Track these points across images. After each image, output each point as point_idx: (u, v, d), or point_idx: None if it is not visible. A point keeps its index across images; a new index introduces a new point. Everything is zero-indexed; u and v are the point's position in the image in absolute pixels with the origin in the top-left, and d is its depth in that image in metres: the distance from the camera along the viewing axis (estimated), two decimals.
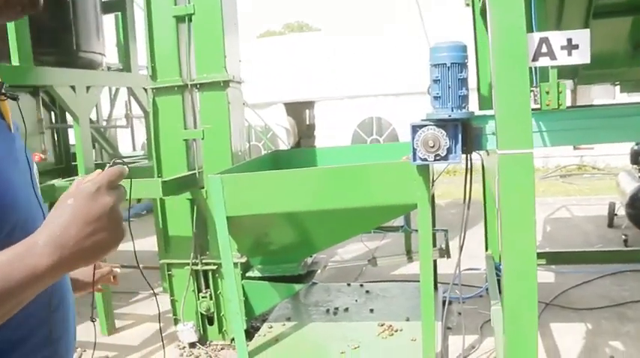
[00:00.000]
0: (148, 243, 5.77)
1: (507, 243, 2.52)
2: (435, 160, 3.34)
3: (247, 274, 4.44)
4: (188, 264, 4.55)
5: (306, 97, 16.59)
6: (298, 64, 16.50)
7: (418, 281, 3.48)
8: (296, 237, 4.21)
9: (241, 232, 4.17)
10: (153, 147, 4.57)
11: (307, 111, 15.78)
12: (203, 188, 4.39)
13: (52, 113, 6.51)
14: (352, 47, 17.06)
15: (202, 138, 4.49)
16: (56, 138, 6.45)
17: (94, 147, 7.50)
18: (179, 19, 4.51)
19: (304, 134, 16.07)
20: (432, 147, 3.30)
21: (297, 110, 16.04)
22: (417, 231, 4.35)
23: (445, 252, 4.55)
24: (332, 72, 16.37)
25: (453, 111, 3.22)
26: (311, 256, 4.65)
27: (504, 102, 2.45)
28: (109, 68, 10.28)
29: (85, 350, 4.80)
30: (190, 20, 4.49)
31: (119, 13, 6.01)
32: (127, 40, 5.91)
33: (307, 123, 16.00)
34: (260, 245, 4.31)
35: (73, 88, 4.89)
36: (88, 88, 5.08)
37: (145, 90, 4.91)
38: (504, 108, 2.47)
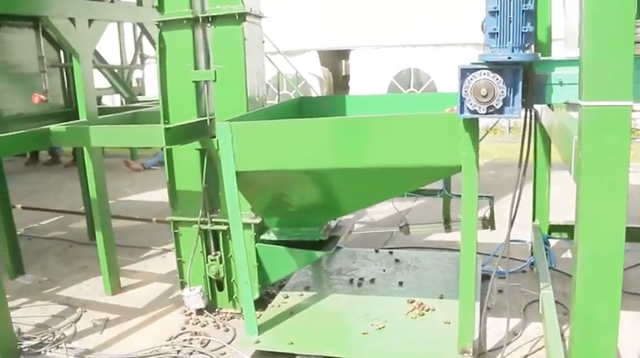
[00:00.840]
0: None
1: (588, 221, 1.89)
2: (487, 113, 2.73)
3: (262, 237, 3.99)
4: (196, 222, 4.03)
5: (340, 45, 15.84)
6: (333, 8, 15.61)
7: (455, 250, 2.93)
8: (318, 197, 3.67)
9: (254, 190, 3.65)
10: (159, 89, 3.99)
11: (342, 61, 15.18)
12: (214, 137, 3.83)
13: (62, 51, 5.97)
14: None
15: (214, 80, 3.92)
16: (65, 79, 5.92)
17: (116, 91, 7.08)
18: None
19: (338, 84, 15.45)
20: (485, 96, 2.75)
21: (331, 59, 15.47)
22: (458, 196, 3.85)
23: (489, 223, 3.94)
24: (368, 19, 15.48)
25: (513, 51, 2.59)
26: (334, 219, 4.10)
27: (597, 39, 1.78)
28: None
29: (85, 311, 4.41)
30: None
31: None
32: None
33: (342, 73, 15.39)
34: (276, 205, 3.78)
35: (72, 20, 4.32)
36: (90, 21, 4.50)
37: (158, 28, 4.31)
38: (596, 46, 1.80)
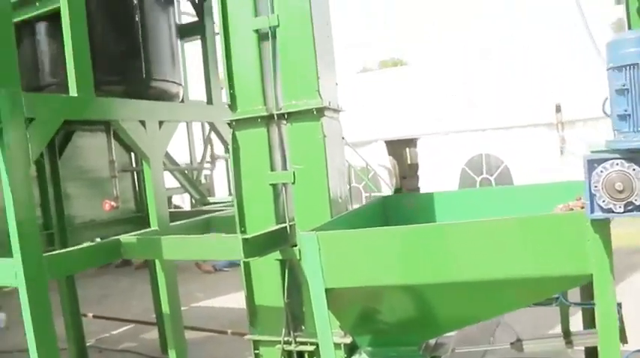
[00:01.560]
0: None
1: None
2: (625, 211, 2.25)
3: None
4: (279, 342, 3.57)
5: (407, 134, 15.55)
6: (398, 99, 15.49)
7: None
8: (416, 313, 3.12)
9: (343, 305, 3.16)
10: (234, 193, 3.67)
11: (409, 149, 14.66)
12: (296, 246, 3.42)
13: (132, 154, 5.84)
14: (454, 79, 15.87)
15: (293, 183, 3.56)
16: (136, 183, 5.75)
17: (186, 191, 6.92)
18: (261, 35, 3.66)
19: (407, 174, 14.93)
20: (621, 192, 2.29)
21: (398, 148, 14.93)
22: (578, 304, 3.25)
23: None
24: (435, 105, 15.23)
25: None
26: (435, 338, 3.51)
27: None
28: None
29: None
30: (274, 36, 3.63)
31: (199, 37, 5.26)
32: (207, 67, 5.14)
33: (409, 161, 14.91)
34: (369, 322, 3.28)
35: (142, 123, 4.11)
36: (160, 123, 4.29)
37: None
38: None
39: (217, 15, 3.78)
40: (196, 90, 6.23)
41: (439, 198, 4.21)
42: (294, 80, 3.61)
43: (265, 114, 3.67)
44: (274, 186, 3.71)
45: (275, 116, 3.66)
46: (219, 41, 5.03)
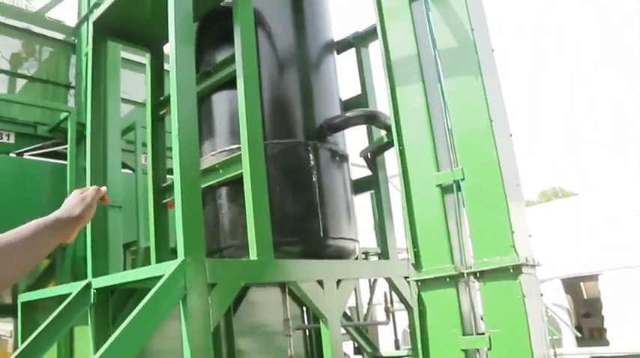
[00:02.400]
0: None
1: None
2: None
3: None
4: None
5: (589, 270, 14.19)
6: (569, 232, 14.37)
7: None
8: None
9: None
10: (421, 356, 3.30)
11: (581, 283, 13.26)
12: None
13: (304, 308, 5.72)
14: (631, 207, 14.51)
15: (489, 348, 3.16)
16: (308, 341, 5.56)
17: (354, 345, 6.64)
18: (444, 188, 3.44)
19: (588, 314, 13.61)
20: None
21: (575, 285, 13.63)
22: None
23: None
24: (613, 238, 13.88)
25: None
26: None
27: None
28: (366, 254, 9.72)
29: None
30: (459, 188, 3.37)
31: (372, 192, 5.20)
32: (382, 222, 5.00)
33: (584, 297, 13.56)
34: None
35: (319, 282, 3.97)
36: (338, 281, 4.13)
37: (407, 280, 3.81)
38: None
39: (391, 166, 3.69)
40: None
41: None
42: (484, 235, 3.30)
43: (454, 273, 3.35)
44: (466, 351, 3.30)
45: (465, 275, 3.33)
46: (393, 194, 4.95)
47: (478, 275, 3.30)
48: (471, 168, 3.41)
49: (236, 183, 3.83)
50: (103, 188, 1.81)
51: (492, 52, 3.80)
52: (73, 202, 1.65)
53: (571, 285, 14.48)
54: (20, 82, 8.03)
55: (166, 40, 3.65)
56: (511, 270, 3.16)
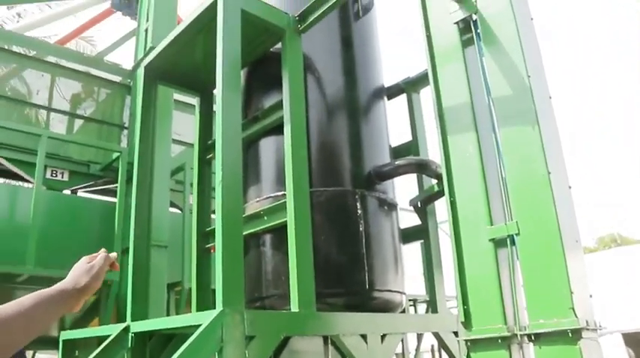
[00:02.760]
0: None
1: None
2: None
3: None
4: None
5: None
6: (636, 282, 13.67)
7: None
8: None
9: None
10: None
11: None
12: None
13: None
14: None
15: None
16: None
17: None
18: (497, 243, 3.26)
19: None
20: None
21: (638, 340, 13.04)
22: None
23: None
24: None
25: None
26: None
27: None
28: (414, 302, 9.43)
29: None
30: (513, 243, 3.19)
31: (422, 241, 5.02)
32: (431, 272, 4.81)
33: None
34: None
35: (363, 336, 3.80)
36: (382, 336, 3.95)
37: (456, 336, 3.61)
38: None
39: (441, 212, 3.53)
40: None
41: None
42: (540, 295, 3.08)
43: (507, 334, 3.13)
44: None
45: (518, 336, 3.10)
46: (443, 239, 4.77)
47: (533, 337, 3.07)
48: (526, 222, 3.21)
49: (280, 231, 3.74)
50: (113, 254, 1.78)
51: (550, 99, 3.64)
52: (79, 272, 1.63)
53: (633, 339, 13.68)
54: (78, 121, 8.28)
55: (215, 85, 3.64)
56: (570, 334, 2.92)
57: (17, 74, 7.91)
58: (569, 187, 3.48)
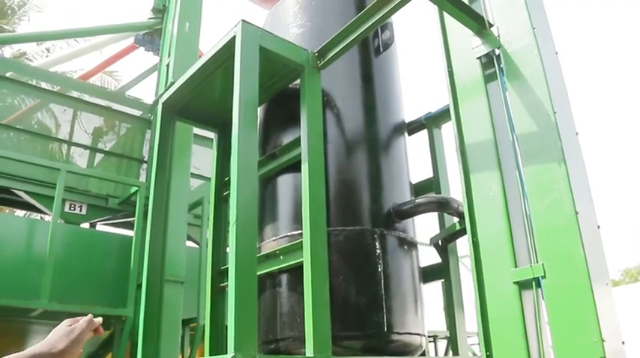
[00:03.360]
0: None
1: None
2: None
3: None
4: None
5: None
6: None
7: None
8: None
9: None
10: None
11: None
12: None
13: None
14: None
15: None
16: None
17: None
18: (523, 286, 3.12)
19: None
20: None
21: None
22: None
23: None
24: None
25: None
26: None
27: None
28: (434, 338, 9.16)
29: None
30: (539, 286, 3.06)
31: (442, 280, 4.86)
32: (452, 311, 4.63)
33: None
34: None
35: None
36: None
37: None
38: None
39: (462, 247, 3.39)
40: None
41: None
42: (569, 343, 2.91)
43: None
44: None
45: None
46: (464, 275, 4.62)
47: None
48: (553, 265, 3.07)
49: (297, 271, 3.63)
50: (98, 319, 1.73)
51: (577, 135, 3.52)
52: (57, 335, 1.55)
53: None
54: (98, 155, 8.33)
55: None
56: None
57: (41, 108, 8.02)
58: (598, 227, 3.33)
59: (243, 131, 3.31)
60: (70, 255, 6.77)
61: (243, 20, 3.65)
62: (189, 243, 7.61)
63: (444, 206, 4.27)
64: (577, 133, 3.53)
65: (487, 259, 3.37)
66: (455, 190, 4.83)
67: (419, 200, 4.20)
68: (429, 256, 5.12)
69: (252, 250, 3.16)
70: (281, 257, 3.83)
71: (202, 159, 8.51)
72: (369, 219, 4.02)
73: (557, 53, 3.74)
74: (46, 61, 14.15)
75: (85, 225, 7.90)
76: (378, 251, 3.88)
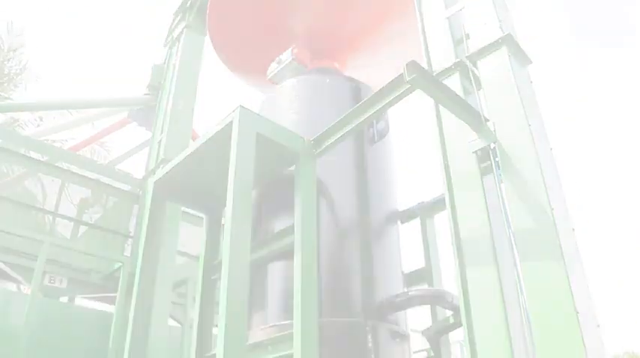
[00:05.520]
0: None
1: None
2: None
3: None
4: None
5: None
6: None
7: None
8: None
9: None
10: None
11: None
12: None
13: None
14: None
15: None
16: None
17: None
18: None
19: None
20: None
21: None
22: None
23: None
24: None
25: None
26: None
27: None
28: None
29: None
30: None
31: None
32: None
33: None
34: None
35: None
36: None
37: None
38: None
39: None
40: None
41: None
42: None
43: None
44: None
45: None
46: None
47: None
48: None
49: None
50: None
51: (573, 231, 3.44)
52: None
53: None
54: (83, 227, 8.12)
55: (224, 206, 3.48)
56: None
57: (28, 178, 7.86)
58: (598, 326, 3.21)
59: (236, 219, 3.20)
60: (47, 330, 6.42)
61: (241, 106, 3.61)
62: (171, 322, 7.32)
63: (438, 299, 4.12)
64: (573, 229, 3.46)
65: (484, 356, 3.20)
66: (447, 280, 4.71)
67: (412, 293, 4.07)
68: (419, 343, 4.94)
69: (241, 337, 3.00)
70: (269, 347, 3.63)
71: (186, 237, 8.31)
72: (362, 310, 3.86)
73: (551, 149, 3.72)
74: (37, 130, 14.08)
75: (64, 299, 7.58)
76: (370, 344, 3.70)
